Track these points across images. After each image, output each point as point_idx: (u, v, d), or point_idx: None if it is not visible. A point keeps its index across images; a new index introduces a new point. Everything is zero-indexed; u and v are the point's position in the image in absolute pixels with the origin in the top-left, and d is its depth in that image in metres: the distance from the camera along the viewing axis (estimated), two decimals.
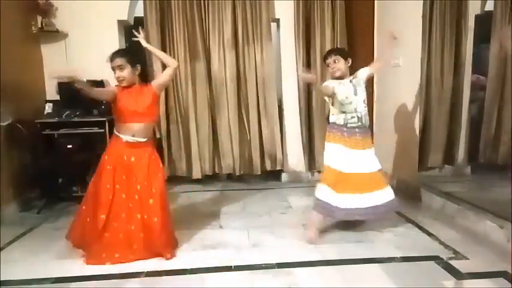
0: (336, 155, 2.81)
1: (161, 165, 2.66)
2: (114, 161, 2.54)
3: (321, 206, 2.81)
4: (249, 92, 4.29)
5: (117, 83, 2.57)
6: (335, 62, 2.82)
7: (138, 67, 2.57)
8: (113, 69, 2.51)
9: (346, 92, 2.78)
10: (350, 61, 2.88)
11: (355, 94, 2.80)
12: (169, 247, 2.58)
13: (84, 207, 2.59)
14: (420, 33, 3.56)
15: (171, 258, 2.52)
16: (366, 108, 2.86)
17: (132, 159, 2.53)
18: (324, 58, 2.93)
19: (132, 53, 2.63)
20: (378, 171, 2.86)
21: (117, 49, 2.69)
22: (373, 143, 2.94)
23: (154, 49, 2.81)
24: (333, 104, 2.86)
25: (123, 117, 2.55)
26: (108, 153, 2.58)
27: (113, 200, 2.51)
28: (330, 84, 2.83)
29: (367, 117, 2.87)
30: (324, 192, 2.79)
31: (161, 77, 2.70)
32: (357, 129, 2.81)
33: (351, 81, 2.83)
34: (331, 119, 2.89)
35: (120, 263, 2.45)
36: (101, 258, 2.47)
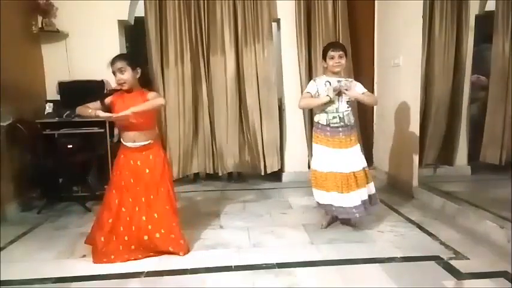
0: (319, 156, 2.88)
1: (167, 166, 2.69)
2: (122, 166, 2.60)
3: (321, 207, 2.96)
4: (249, 92, 4.28)
5: (117, 87, 2.58)
6: (341, 57, 2.80)
7: (139, 70, 2.57)
8: (114, 72, 2.51)
9: (329, 92, 2.78)
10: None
11: (339, 94, 2.80)
12: (181, 243, 2.58)
13: (99, 211, 2.69)
14: (420, 33, 3.57)
15: (184, 254, 2.55)
16: (350, 108, 2.85)
17: (138, 163, 2.57)
18: (327, 49, 2.84)
19: (132, 56, 2.67)
20: (361, 170, 2.85)
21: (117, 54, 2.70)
22: (358, 139, 2.93)
23: (140, 108, 2.48)
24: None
25: (119, 126, 2.60)
26: (117, 159, 2.64)
27: (119, 204, 2.56)
28: (312, 88, 2.86)
29: (351, 116, 2.86)
30: (316, 194, 2.92)
31: (144, 104, 2.53)
32: (340, 129, 2.83)
33: (339, 81, 2.81)
34: (316, 118, 2.94)
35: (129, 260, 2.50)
36: (110, 258, 2.50)
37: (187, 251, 2.58)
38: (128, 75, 2.50)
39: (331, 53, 2.81)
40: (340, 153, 2.82)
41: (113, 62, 2.52)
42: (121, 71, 2.49)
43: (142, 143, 2.57)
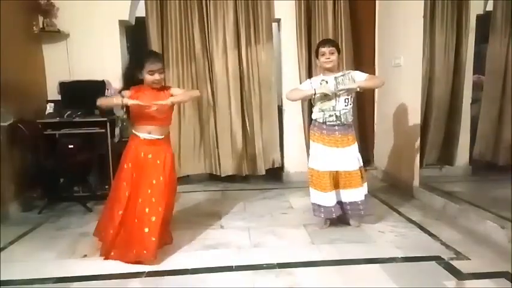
0: (315, 154, 2.90)
1: (175, 164, 2.72)
2: (132, 159, 2.58)
3: (314, 210, 2.97)
4: (250, 92, 4.28)
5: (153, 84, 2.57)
6: (332, 53, 2.79)
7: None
8: (151, 72, 2.51)
9: (325, 90, 2.77)
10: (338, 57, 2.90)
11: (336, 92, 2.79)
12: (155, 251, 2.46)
13: (107, 204, 2.69)
14: (421, 33, 3.56)
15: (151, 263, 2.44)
16: (349, 106, 2.83)
17: (150, 156, 2.57)
18: (318, 46, 2.87)
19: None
20: (356, 170, 2.86)
21: (150, 51, 2.92)
22: (355, 139, 2.91)
23: (180, 98, 2.71)
24: (314, 100, 2.89)
25: (138, 119, 2.59)
26: (127, 151, 2.63)
27: (129, 197, 2.54)
28: (306, 86, 2.89)
29: (349, 115, 2.84)
30: (312, 194, 2.93)
31: (182, 94, 2.73)
32: (336, 127, 2.83)
33: (336, 77, 2.81)
34: (313, 116, 2.95)
35: (130, 262, 2.44)
36: (116, 253, 2.49)
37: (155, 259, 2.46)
38: (163, 75, 2.59)
39: (321, 49, 2.81)
40: (336, 152, 2.83)
41: (152, 61, 2.53)
42: (160, 72, 2.55)
43: (156, 137, 2.58)
